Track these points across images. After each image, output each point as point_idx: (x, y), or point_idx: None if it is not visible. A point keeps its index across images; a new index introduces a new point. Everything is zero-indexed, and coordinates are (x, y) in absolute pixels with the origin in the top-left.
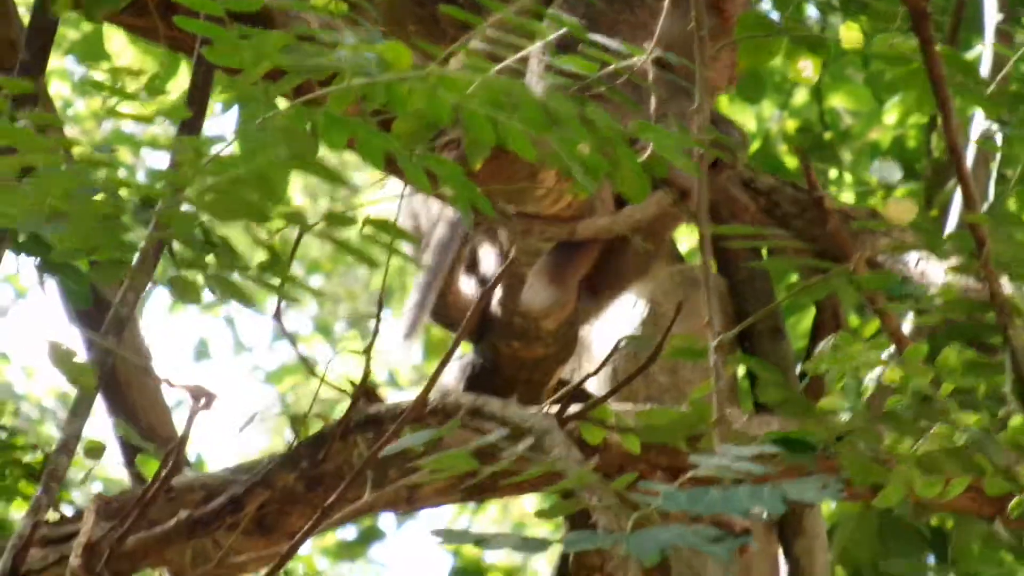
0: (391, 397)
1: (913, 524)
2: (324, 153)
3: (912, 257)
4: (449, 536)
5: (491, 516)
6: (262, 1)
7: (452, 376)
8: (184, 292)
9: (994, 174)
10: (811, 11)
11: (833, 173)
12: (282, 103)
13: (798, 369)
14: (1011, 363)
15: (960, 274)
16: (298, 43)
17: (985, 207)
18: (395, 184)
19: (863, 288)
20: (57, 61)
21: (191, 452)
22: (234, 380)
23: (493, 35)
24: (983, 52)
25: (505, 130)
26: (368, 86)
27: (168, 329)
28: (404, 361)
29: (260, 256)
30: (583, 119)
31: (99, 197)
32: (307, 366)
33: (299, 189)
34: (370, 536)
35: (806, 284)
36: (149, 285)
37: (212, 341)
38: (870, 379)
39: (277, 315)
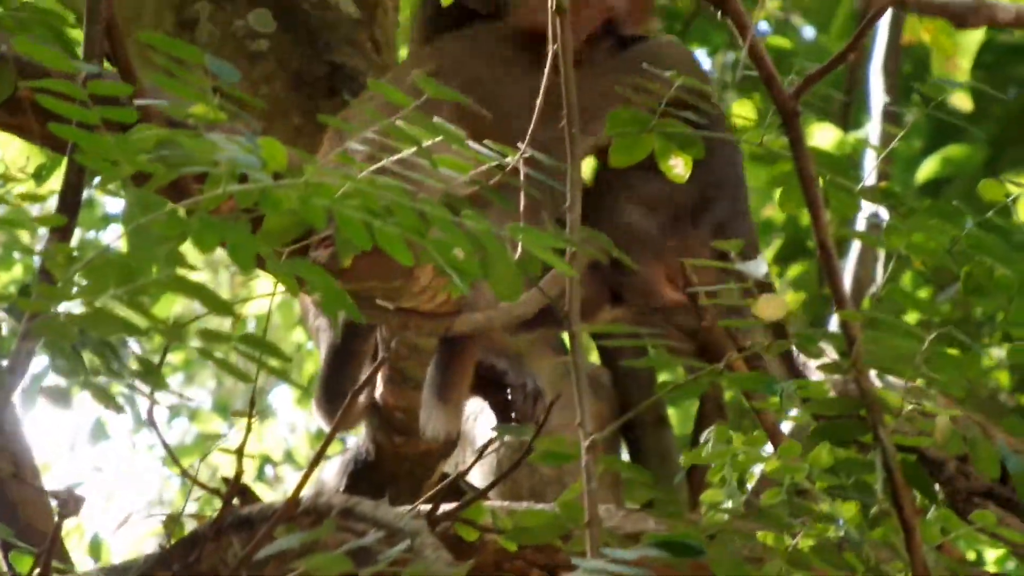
0: (289, 476)
1: None
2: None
3: (795, 351)
4: None
5: None
6: (135, 114)
7: (334, 471)
8: (56, 399)
9: (882, 256)
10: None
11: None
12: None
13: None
14: (881, 461)
15: (831, 373)
16: (173, 140)
17: (875, 287)
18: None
19: (736, 387)
20: None
21: (87, 536)
22: (132, 459)
23: (372, 137)
24: (868, 135)
25: (380, 234)
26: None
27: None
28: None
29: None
30: (456, 222)
31: None
32: (179, 466)
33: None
34: None
35: (677, 385)
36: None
37: (111, 419)
38: (751, 472)
39: (150, 418)
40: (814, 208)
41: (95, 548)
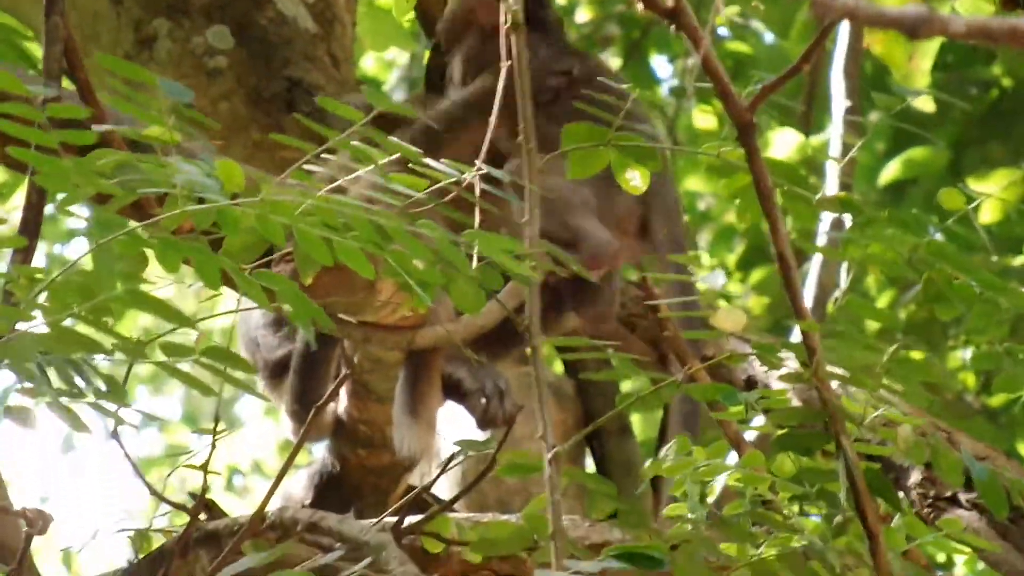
0: (257, 486)
1: None
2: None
3: (757, 361)
4: None
5: None
6: (94, 136)
7: (301, 484)
8: (20, 420)
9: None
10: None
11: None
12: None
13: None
14: (844, 470)
15: (791, 383)
16: (132, 161)
17: (837, 293)
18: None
19: (698, 397)
20: None
21: (57, 550)
22: (103, 469)
23: (328, 156)
24: (829, 139)
25: (340, 248)
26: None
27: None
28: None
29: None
30: (416, 234)
31: None
32: (146, 482)
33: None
34: None
35: (639, 396)
36: None
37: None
38: (712, 486)
39: (115, 435)
40: (772, 220)
41: (67, 559)
